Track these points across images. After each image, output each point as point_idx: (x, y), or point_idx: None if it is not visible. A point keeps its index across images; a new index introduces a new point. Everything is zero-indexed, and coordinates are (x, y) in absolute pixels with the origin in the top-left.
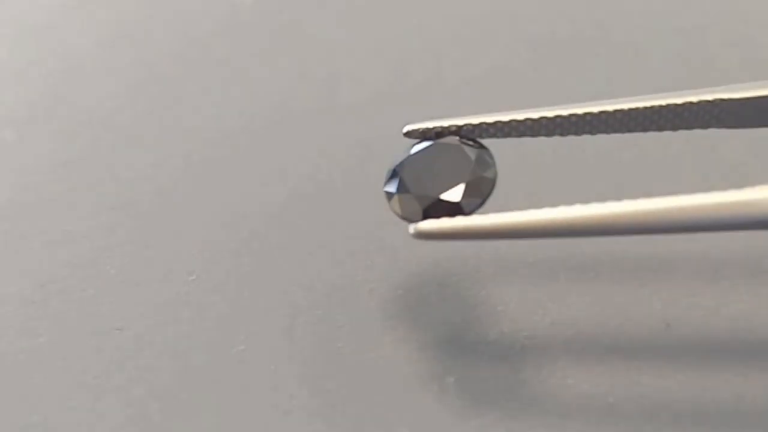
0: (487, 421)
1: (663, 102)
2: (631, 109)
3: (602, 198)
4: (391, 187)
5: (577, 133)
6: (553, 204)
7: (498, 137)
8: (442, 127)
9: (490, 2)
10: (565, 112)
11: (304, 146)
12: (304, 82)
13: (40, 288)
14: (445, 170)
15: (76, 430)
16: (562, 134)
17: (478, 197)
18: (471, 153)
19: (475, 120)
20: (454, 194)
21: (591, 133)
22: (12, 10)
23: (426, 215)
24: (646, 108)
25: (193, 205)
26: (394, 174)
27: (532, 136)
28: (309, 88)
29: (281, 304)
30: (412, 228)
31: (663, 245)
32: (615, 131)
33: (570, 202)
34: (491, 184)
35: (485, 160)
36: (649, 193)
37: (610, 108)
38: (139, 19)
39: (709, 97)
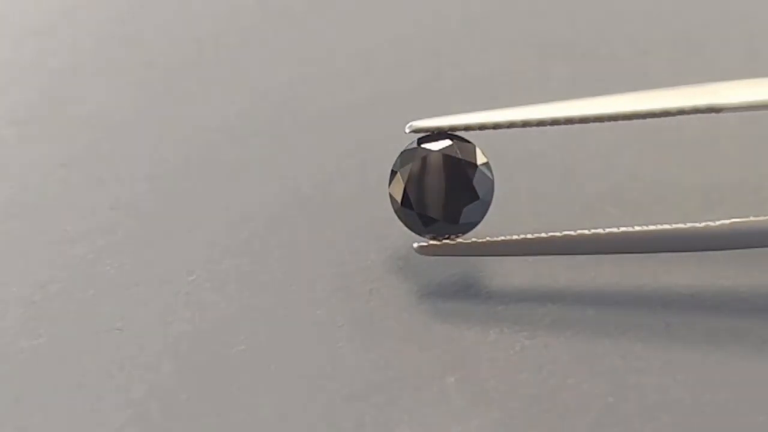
0: (487, 421)
1: (657, 108)
2: (627, 113)
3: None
4: (395, 192)
5: (571, 123)
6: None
7: (495, 129)
8: (441, 127)
9: (490, 2)
10: (561, 116)
11: (305, 146)
12: (304, 82)
13: (40, 288)
14: (446, 190)
15: (76, 430)
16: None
17: (476, 217)
18: (471, 172)
19: (474, 120)
20: (453, 216)
21: (585, 122)
22: (12, 10)
23: (426, 231)
24: (643, 112)
25: (193, 205)
26: (395, 176)
27: (530, 126)
28: (309, 88)
29: (281, 304)
30: (415, 244)
31: None
32: (608, 121)
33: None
34: (487, 204)
35: (485, 179)
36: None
37: (605, 113)
38: (139, 19)
39: (702, 103)
